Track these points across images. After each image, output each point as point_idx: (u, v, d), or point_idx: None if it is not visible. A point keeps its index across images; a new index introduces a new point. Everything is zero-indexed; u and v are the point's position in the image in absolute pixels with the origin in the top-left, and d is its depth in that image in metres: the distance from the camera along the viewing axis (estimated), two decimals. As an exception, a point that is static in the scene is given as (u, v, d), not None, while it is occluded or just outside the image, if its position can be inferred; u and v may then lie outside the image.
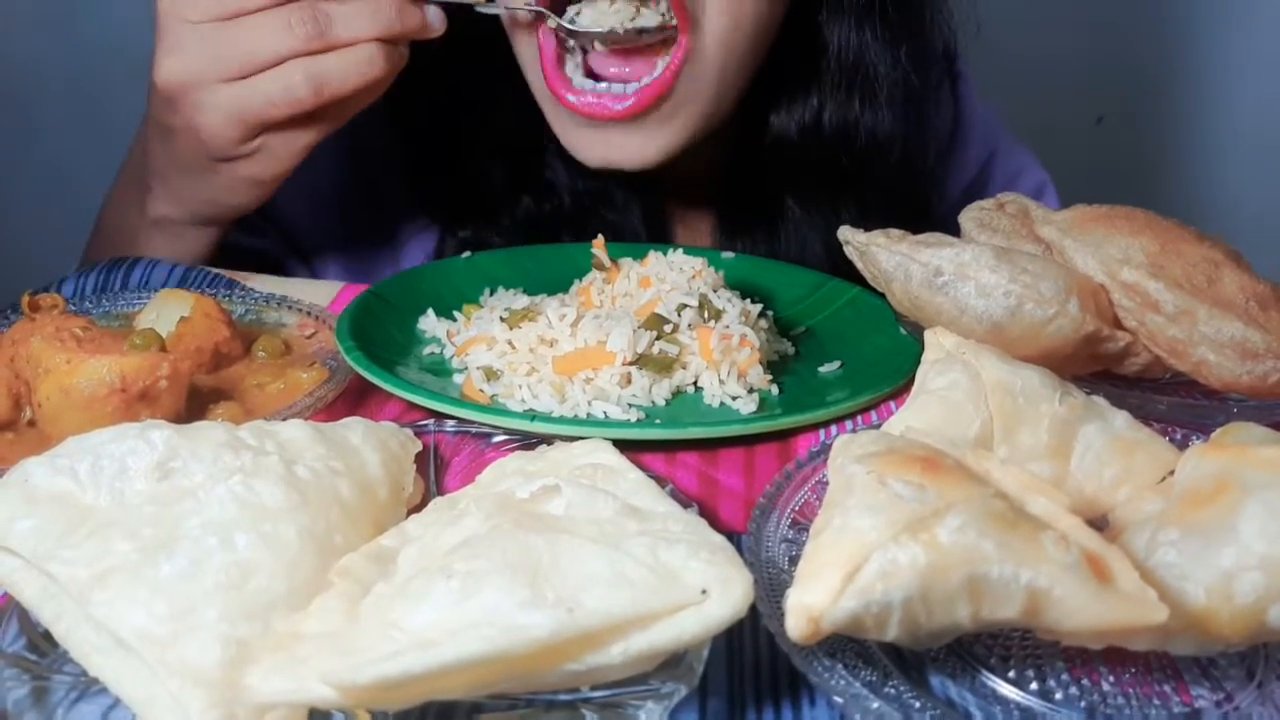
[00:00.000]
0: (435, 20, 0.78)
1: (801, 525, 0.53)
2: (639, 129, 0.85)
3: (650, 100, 0.83)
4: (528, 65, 0.88)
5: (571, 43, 0.85)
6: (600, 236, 0.80)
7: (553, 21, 0.82)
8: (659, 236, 1.02)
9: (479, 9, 0.82)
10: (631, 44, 0.84)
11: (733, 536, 0.47)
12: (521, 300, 0.78)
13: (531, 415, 0.62)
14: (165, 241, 0.88)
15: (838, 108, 0.94)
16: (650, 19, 0.83)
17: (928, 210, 0.97)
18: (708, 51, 0.84)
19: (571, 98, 0.84)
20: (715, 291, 0.74)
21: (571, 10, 0.84)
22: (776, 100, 0.95)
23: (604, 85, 0.85)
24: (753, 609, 0.41)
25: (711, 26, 0.83)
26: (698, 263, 0.77)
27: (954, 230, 0.74)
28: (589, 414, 0.65)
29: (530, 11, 0.83)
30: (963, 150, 1.12)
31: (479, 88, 0.96)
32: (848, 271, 0.77)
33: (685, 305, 0.71)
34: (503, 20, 0.87)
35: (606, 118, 0.84)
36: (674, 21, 0.81)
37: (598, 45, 0.84)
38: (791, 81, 0.94)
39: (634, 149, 0.86)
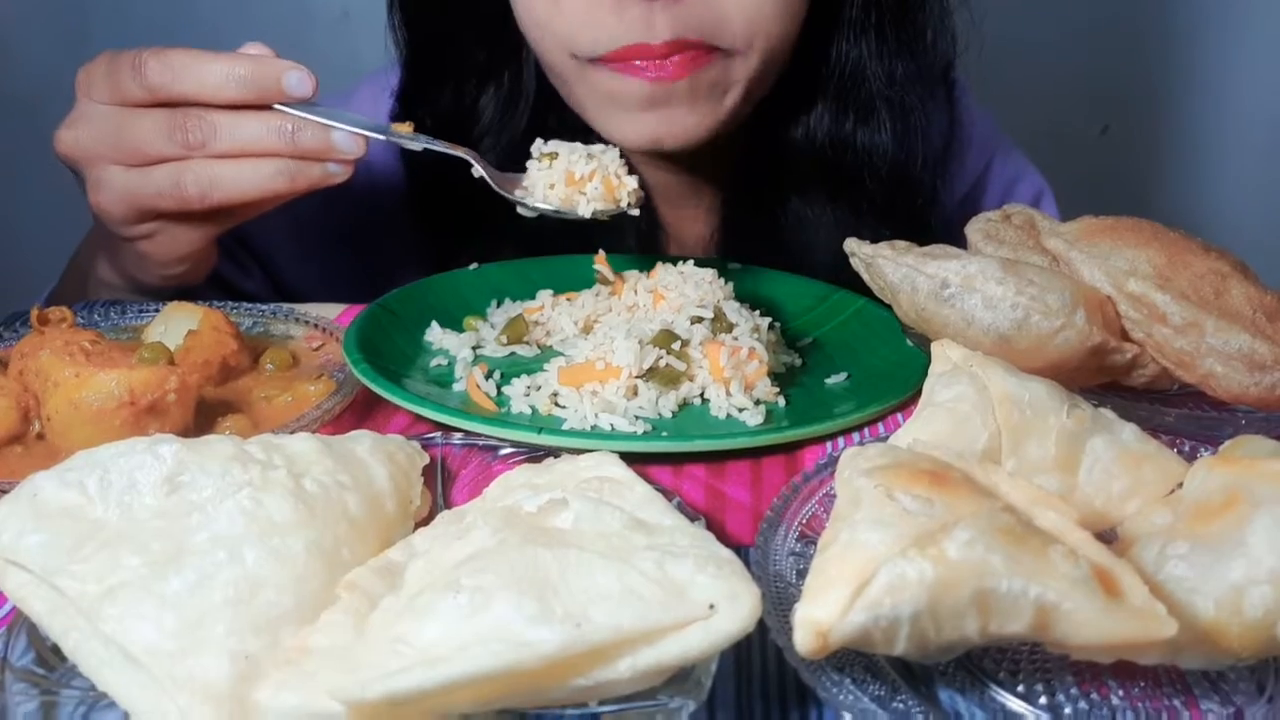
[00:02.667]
0: (344, 143, 0.73)
1: (809, 538, 0.53)
2: (686, 104, 0.84)
3: (691, 64, 0.82)
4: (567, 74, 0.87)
5: None
6: (601, 251, 0.80)
7: (476, 172, 0.77)
8: (651, 251, 1.02)
9: (406, 145, 0.76)
10: None
11: (740, 550, 0.48)
12: (516, 308, 0.79)
13: (539, 428, 0.62)
14: (111, 296, 0.89)
15: (834, 122, 0.94)
16: (587, 209, 0.78)
17: (926, 221, 0.97)
18: (743, 69, 0.85)
19: (638, 61, 0.81)
20: (726, 304, 0.74)
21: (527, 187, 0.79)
22: (780, 111, 0.95)
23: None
24: (761, 623, 0.40)
25: (747, 56, 0.84)
26: (708, 274, 0.77)
27: (952, 238, 0.74)
28: (595, 426, 0.65)
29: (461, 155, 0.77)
30: (959, 158, 1.12)
31: (480, 107, 0.96)
32: (850, 282, 0.77)
33: (700, 318, 0.71)
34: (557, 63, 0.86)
35: (657, 77, 0.82)
36: (635, 211, 0.79)
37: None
38: (795, 93, 0.94)
39: (673, 123, 0.85)
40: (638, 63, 0.81)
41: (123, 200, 0.75)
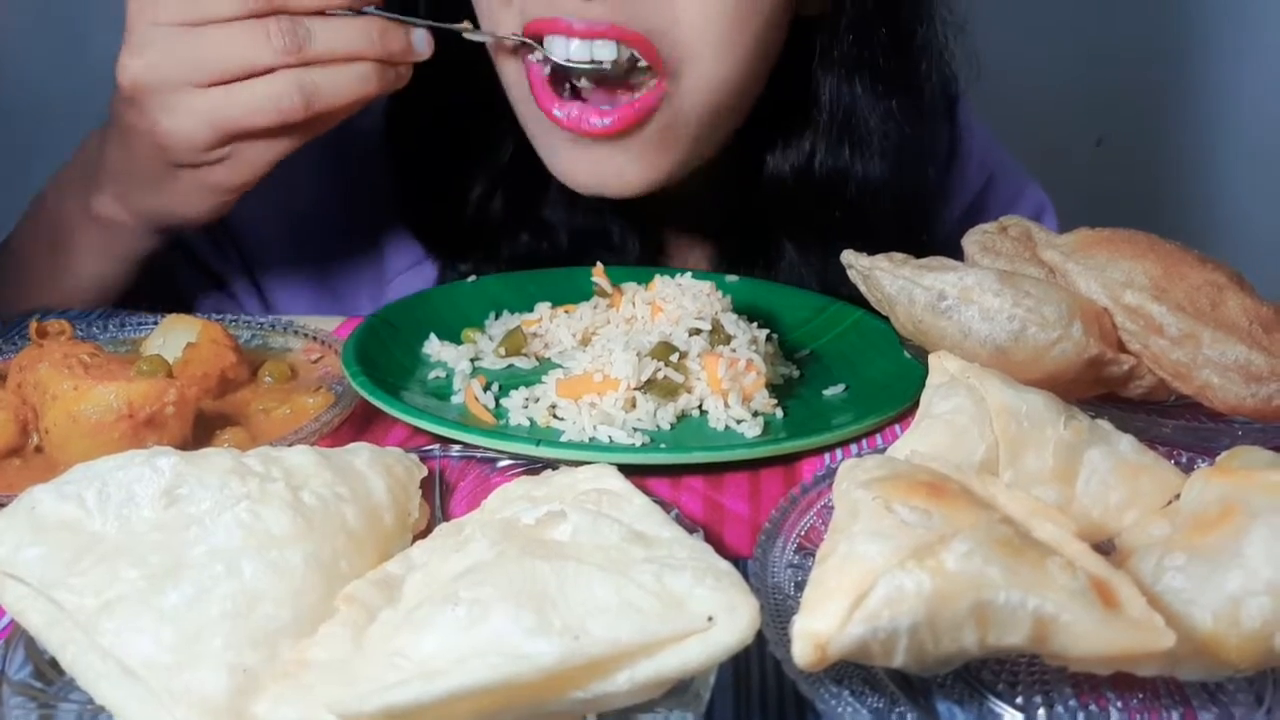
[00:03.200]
0: (420, 43, 0.76)
1: (808, 550, 0.53)
2: (623, 151, 0.83)
3: (630, 120, 0.81)
4: (514, 89, 0.87)
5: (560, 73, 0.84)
6: (599, 264, 0.80)
7: (538, 55, 0.81)
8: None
9: (466, 35, 0.81)
10: (618, 80, 0.82)
11: (738, 562, 0.47)
12: (514, 320, 0.79)
13: (536, 440, 0.62)
14: (100, 238, 0.85)
15: (828, 155, 0.93)
16: (607, 51, 0.80)
17: (921, 249, 0.97)
18: (690, 95, 0.83)
19: (558, 111, 0.82)
20: (724, 316, 0.74)
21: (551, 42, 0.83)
22: (771, 141, 0.95)
23: (587, 102, 0.83)
24: (759, 635, 0.40)
25: (693, 76, 0.82)
26: (706, 286, 0.77)
27: (953, 254, 0.75)
28: (593, 438, 0.65)
29: (516, 40, 0.82)
30: (960, 174, 1.12)
31: (479, 123, 0.95)
32: (846, 297, 0.77)
33: (698, 330, 0.71)
34: (488, 48, 0.86)
35: (588, 133, 0.82)
36: (643, 63, 0.80)
37: (584, 81, 0.83)
38: (786, 124, 0.94)
39: (615, 170, 0.84)
40: (574, 113, 0.82)
41: (207, 123, 0.72)
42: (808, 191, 0.95)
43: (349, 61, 0.73)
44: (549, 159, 0.88)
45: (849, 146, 0.92)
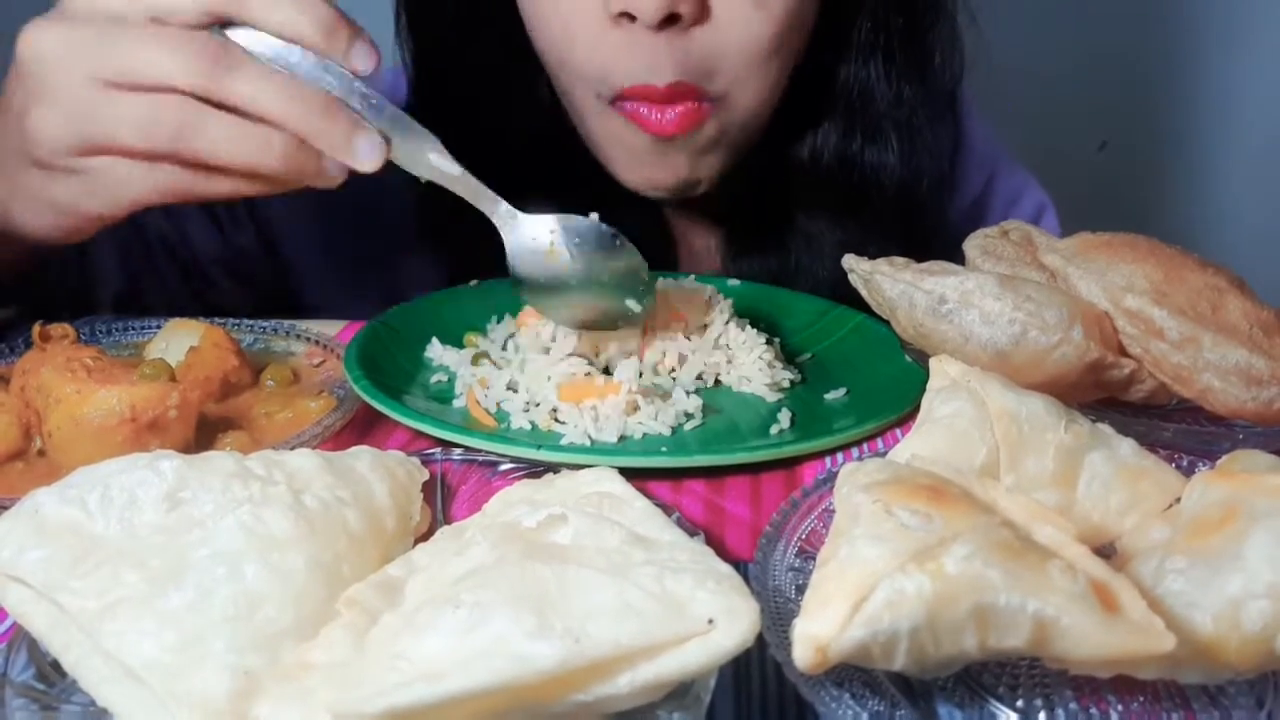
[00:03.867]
0: (365, 150, 0.61)
1: (808, 554, 0.53)
2: (688, 155, 0.88)
3: (691, 120, 0.84)
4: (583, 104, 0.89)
5: None
6: None
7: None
8: (663, 262, 1.03)
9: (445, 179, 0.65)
10: None
11: (739, 565, 0.48)
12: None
13: (538, 444, 0.62)
14: None
15: (842, 141, 0.95)
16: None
17: (930, 238, 0.98)
18: (737, 109, 0.86)
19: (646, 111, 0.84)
20: (725, 320, 0.74)
21: None
22: (787, 129, 0.96)
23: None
24: (760, 638, 0.40)
25: (739, 98, 0.86)
26: (708, 290, 0.77)
27: (955, 253, 0.75)
28: (595, 442, 0.65)
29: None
30: (962, 172, 1.13)
31: (495, 129, 0.95)
32: (852, 298, 0.77)
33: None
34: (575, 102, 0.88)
35: (654, 128, 0.84)
36: None
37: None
38: (802, 112, 0.95)
39: (687, 171, 0.89)
40: (643, 110, 0.84)
41: (74, 121, 0.60)
42: (821, 176, 0.97)
43: (261, 121, 0.60)
44: (612, 161, 0.91)
45: (862, 132, 0.95)
